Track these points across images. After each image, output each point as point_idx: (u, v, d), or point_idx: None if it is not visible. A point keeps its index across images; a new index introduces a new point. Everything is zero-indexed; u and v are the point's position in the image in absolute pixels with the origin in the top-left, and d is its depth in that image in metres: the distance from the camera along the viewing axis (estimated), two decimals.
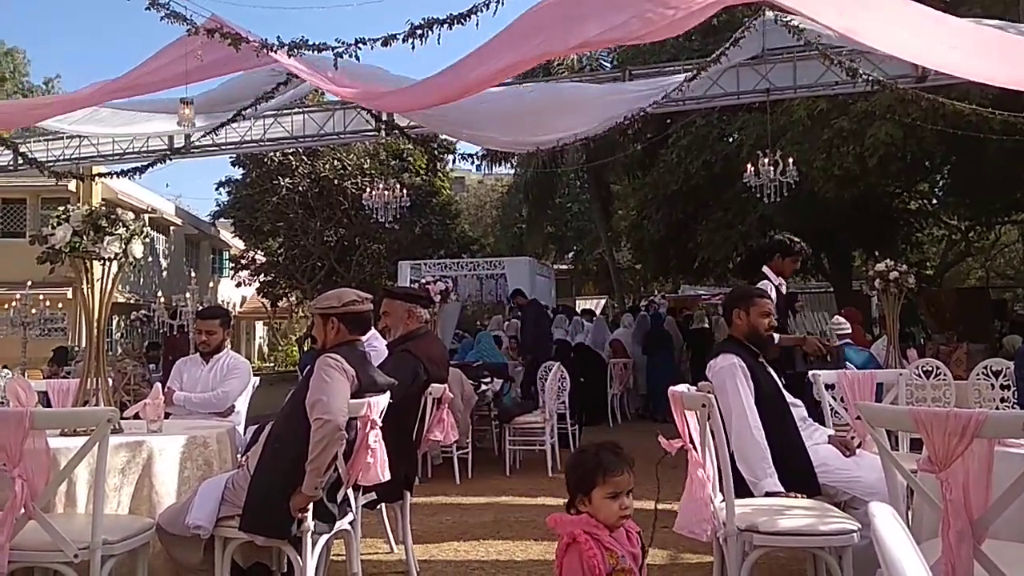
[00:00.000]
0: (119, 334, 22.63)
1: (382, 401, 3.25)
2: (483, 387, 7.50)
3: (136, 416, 3.80)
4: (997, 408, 5.31)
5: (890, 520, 0.82)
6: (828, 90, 8.31)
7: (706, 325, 12.36)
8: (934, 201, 17.08)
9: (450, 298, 9.15)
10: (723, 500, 2.85)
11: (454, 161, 24.58)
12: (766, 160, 8.83)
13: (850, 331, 7.13)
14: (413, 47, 4.75)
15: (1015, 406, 5.25)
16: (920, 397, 5.67)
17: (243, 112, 7.98)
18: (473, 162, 22.54)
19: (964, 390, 5.73)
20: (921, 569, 0.74)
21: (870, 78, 6.35)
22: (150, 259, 25.27)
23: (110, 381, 3.98)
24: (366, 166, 20.59)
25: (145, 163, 9.13)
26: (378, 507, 4.22)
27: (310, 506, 2.94)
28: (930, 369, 5.99)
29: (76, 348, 14.04)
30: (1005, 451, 2.21)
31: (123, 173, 9.50)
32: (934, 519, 2.12)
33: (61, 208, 3.52)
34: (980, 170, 12.01)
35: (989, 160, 11.01)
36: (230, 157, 19.86)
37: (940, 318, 14.86)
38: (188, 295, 11.14)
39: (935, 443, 1.86)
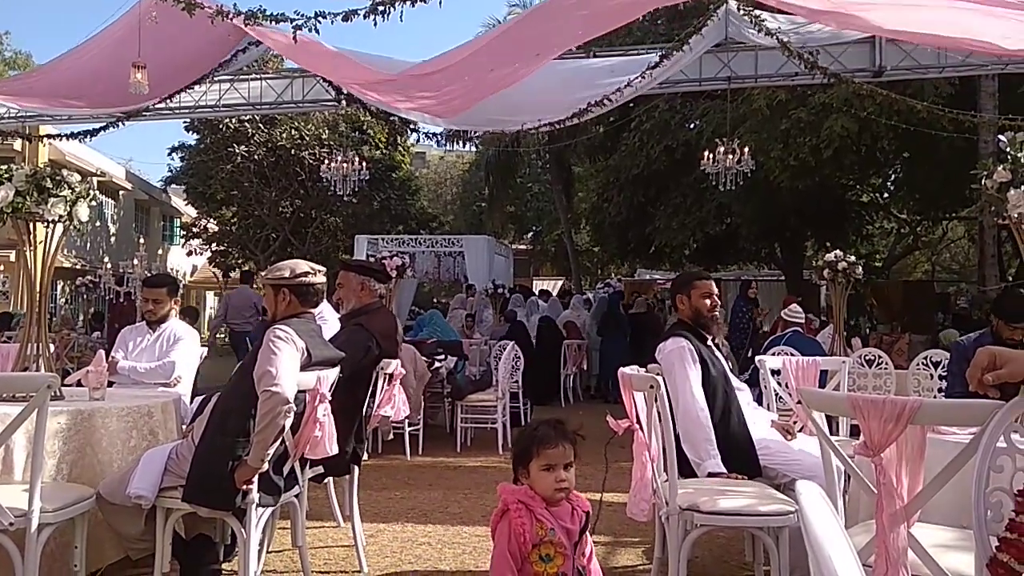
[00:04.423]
0: (64, 300, 22.06)
1: (332, 375, 3.22)
2: (436, 364, 7.49)
3: (79, 384, 3.72)
4: (935, 397, 5.50)
5: (816, 499, 0.84)
6: (788, 81, 8.43)
7: (644, 310, 12.45)
8: (885, 195, 17.48)
9: (406, 274, 9.09)
10: (667, 480, 2.91)
11: (417, 140, 24.34)
12: (722, 148, 8.94)
13: (803, 319, 7.31)
14: (375, 23, 4.68)
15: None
16: (862, 385, 5.84)
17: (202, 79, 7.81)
18: (436, 139, 22.34)
19: (904, 379, 5.91)
20: (845, 546, 0.77)
21: (828, 71, 6.44)
22: (97, 224, 24.63)
23: (52, 347, 3.88)
24: (324, 137, 20.28)
25: (97, 126, 8.86)
26: (325, 481, 4.20)
27: (255, 478, 2.91)
28: (872, 358, 6.17)
29: (20, 312, 13.64)
30: (937, 438, 2.29)
31: (73, 135, 9.22)
32: (869, 502, 2.19)
33: (4, 167, 3.39)
34: (931, 166, 12.33)
35: (940, 157, 11.31)
36: (184, 122, 19.35)
37: (886, 309, 15.28)
38: (136, 262, 10.89)
39: (871, 428, 1.91)
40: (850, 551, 0.78)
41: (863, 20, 5.24)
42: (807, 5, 5.20)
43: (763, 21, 6.14)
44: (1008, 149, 3.64)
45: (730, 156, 9.06)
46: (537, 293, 15.49)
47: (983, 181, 3.61)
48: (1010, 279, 11.50)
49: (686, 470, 3.20)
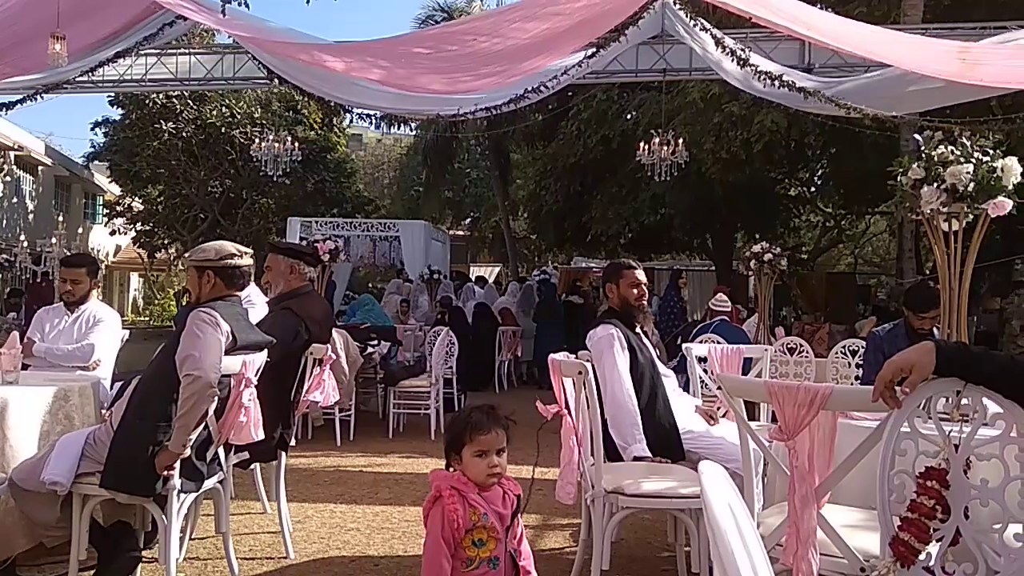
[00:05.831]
0: None
1: (258, 360, 3.17)
2: (369, 349, 7.43)
3: None
4: (852, 385, 5.72)
5: (717, 478, 0.87)
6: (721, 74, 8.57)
7: (582, 302, 12.59)
8: (812, 189, 18.01)
9: (340, 258, 8.96)
10: (593, 463, 2.96)
11: (351, 121, 23.94)
12: (657, 140, 9.06)
13: (730, 308, 7.49)
14: (308, 1, 4.57)
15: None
16: (783, 372, 6.04)
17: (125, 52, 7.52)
18: (371, 121, 22.01)
19: (823, 367, 6.14)
20: (745, 524, 0.80)
21: (758, 68, 6.58)
22: (14, 200, 23.54)
23: None
24: (257, 115, 19.73)
25: (14, 99, 8.44)
26: (252, 467, 4.13)
27: (177, 464, 2.85)
28: (794, 346, 6.39)
29: None
30: (848, 423, 2.39)
31: None
32: (784, 484, 2.27)
33: None
34: (855, 162, 12.75)
35: (864, 153, 11.71)
36: (108, 96, 18.56)
37: (810, 300, 15.79)
38: (55, 240, 10.47)
39: (785, 413, 1.98)
40: (751, 529, 0.81)
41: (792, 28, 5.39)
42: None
43: (698, 16, 6.25)
44: (924, 148, 3.80)
45: (665, 148, 9.20)
46: (473, 279, 15.49)
47: (899, 178, 3.76)
48: (927, 272, 11.99)
49: (612, 454, 3.27)
